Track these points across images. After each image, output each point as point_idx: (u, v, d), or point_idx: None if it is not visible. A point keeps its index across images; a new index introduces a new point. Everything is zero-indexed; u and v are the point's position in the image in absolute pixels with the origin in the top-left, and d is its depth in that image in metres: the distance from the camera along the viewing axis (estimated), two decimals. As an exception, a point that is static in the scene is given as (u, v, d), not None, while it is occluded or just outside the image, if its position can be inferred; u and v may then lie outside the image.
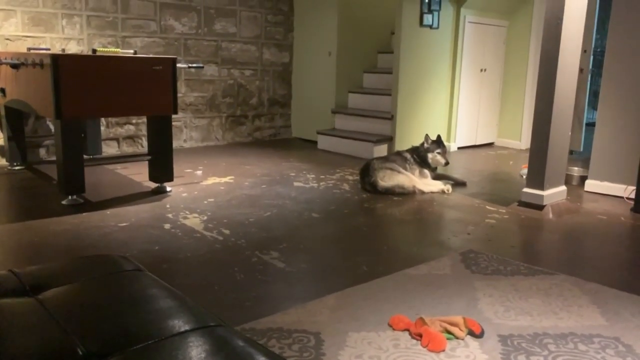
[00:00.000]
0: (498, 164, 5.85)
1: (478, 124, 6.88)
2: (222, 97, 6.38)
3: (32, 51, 4.17)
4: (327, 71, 6.50)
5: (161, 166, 4.08)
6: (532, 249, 3.34)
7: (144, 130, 5.68)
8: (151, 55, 4.41)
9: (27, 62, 3.79)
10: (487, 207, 4.05)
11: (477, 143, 6.94)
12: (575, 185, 4.79)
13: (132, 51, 4.14)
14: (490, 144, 7.12)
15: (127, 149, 5.71)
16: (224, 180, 4.62)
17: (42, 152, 5.21)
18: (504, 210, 3.96)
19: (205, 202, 3.92)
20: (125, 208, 3.71)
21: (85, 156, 3.99)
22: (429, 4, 5.90)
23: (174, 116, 4.04)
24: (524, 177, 4.21)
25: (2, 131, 4.86)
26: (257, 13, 6.54)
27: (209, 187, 4.35)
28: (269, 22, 6.68)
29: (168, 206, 3.79)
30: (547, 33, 3.78)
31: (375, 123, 6.09)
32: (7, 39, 4.85)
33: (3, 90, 4.48)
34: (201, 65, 4.50)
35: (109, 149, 5.57)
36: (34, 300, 1.23)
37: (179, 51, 5.89)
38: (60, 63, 3.42)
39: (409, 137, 5.84)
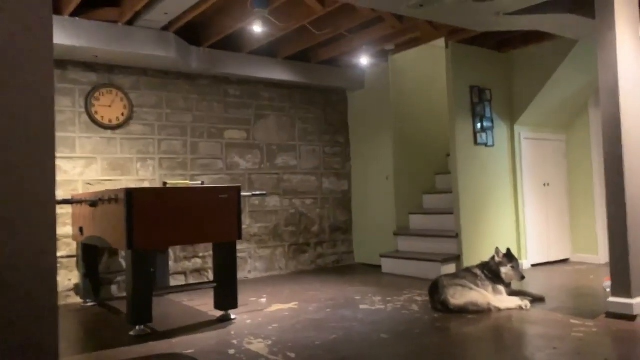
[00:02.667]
0: (577, 279, 5.47)
1: (549, 240, 6.58)
2: (285, 226, 6.51)
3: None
4: (386, 195, 6.57)
5: (226, 293, 4.08)
6: (631, 363, 2.98)
7: (210, 262, 5.79)
8: (218, 185, 4.64)
9: (104, 199, 4.07)
10: (572, 320, 3.72)
11: (551, 260, 6.58)
12: (669, 294, 4.36)
13: (200, 182, 4.37)
14: (565, 260, 6.72)
15: (193, 281, 5.79)
16: (288, 306, 4.54)
17: (114, 289, 5.36)
18: (591, 323, 3.62)
19: (270, 327, 3.83)
20: (191, 336, 3.66)
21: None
22: (482, 123, 6.01)
23: (238, 247, 4.12)
24: (608, 290, 3.89)
25: (77, 269, 5.09)
26: (316, 146, 6.87)
27: (273, 314, 4.27)
28: (327, 154, 6.98)
29: (233, 332, 3.72)
30: (607, 137, 3.72)
31: (439, 242, 5.96)
32: (88, 183, 5.27)
33: (81, 230, 4.77)
34: (264, 192, 4.67)
35: (177, 283, 5.66)
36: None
37: (244, 185, 6.17)
38: (133, 196, 3.65)
39: (477, 255, 5.62)
